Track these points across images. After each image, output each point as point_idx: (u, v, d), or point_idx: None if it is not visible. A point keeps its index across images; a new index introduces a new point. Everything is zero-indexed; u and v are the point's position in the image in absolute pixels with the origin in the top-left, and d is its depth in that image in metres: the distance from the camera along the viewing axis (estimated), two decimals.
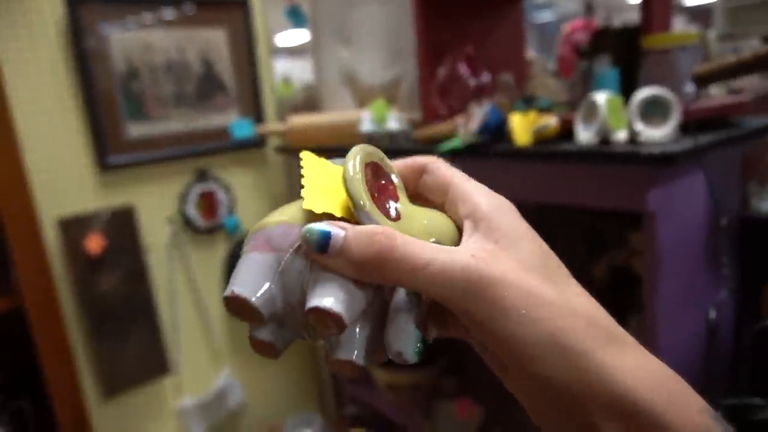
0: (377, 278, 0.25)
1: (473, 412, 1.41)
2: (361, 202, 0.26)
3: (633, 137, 0.78)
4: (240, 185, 1.62)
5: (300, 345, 1.77)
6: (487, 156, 0.93)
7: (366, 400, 1.62)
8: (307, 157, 0.31)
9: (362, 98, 1.43)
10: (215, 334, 1.61)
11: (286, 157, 1.68)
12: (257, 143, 1.63)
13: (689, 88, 0.83)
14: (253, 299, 0.25)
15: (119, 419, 1.46)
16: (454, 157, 0.99)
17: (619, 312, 0.96)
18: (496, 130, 0.94)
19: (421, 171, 0.32)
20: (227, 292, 0.25)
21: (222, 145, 1.56)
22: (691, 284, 0.90)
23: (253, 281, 0.26)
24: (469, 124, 0.97)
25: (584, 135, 0.81)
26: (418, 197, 0.32)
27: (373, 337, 0.27)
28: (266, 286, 0.26)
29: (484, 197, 0.29)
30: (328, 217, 0.26)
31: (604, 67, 0.88)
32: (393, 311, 0.26)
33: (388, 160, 0.31)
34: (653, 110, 0.77)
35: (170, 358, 1.50)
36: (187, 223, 1.53)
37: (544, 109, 0.91)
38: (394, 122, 1.19)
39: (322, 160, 0.32)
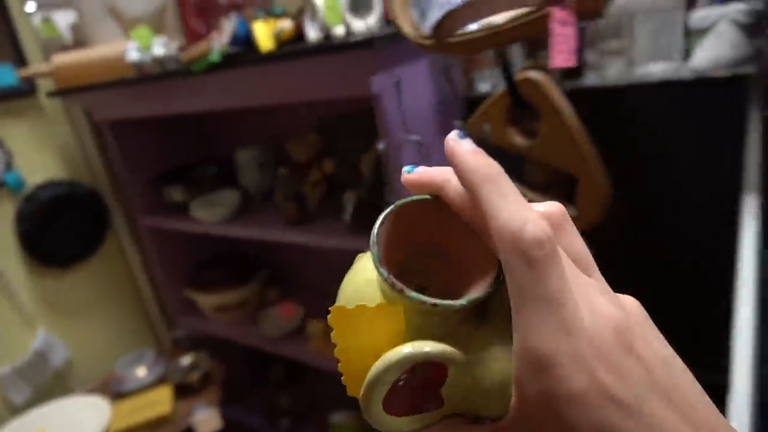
0: None
1: (294, 312, 1.56)
2: None
3: (349, 30, 0.91)
4: (14, 138, 1.51)
5: (120, 288, 1.77)
6: (242, 64, 1.02)
7: (198, 327, 1.69)
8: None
9: (130, 30, 1.40)
10: (19, 296, 1.54)
11: (61, 101, 1.60)
12: (26, 91, 1.52)
13: None
14: None
15: None
16: (210, 72, 1.06)
17: (379, 195, 1.14)
18: (245, 41, 1.02)
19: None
20: None
21: None
22: (426, 157, 1.10)
23: None
24: (222, 38, 1.04)
25: (311, 33, 0.93)
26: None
27: None
28: None
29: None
30: None
31: None
32: None
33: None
34: (363, 5, 0.91)
35: None
36: None
37: (279, 15, 1.01)
38: (159, 48, 1.21)
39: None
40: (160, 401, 1.43)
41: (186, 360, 1.56)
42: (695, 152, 0.99)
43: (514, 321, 0.20)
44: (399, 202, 0.24)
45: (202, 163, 1.63)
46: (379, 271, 0.22)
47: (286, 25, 0.96)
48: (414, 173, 0.25)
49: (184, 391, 1.49)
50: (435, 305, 0.21)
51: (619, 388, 0.19)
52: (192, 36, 1.17)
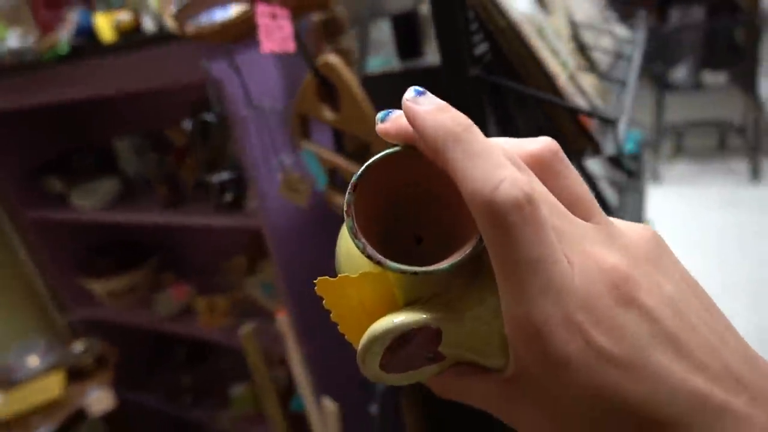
0: None
1: (186, 292, 1.63)
2: None
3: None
4: None
5: (8, 281, 1.77)
6: (87, 55, 1.07)
7: (92, 314, 1.73)
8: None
9: None
10: None
11: None
12: None
13: None
14: None
15: None
16: (62, 63, 1.11)
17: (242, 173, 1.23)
18: (89, 32, 1.08)
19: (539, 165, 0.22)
20: None
21: None
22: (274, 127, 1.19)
23: None
24: (67, 31, 1.09)
25: (147, 24, 1.00)
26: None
27: None
28: None
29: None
30: None
31: None
32: None
33: None
34: None
35: None
36: None
37: (119, 7, 1.07)
38: (14, 40, 1.24)
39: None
40: (51, 386, 1.47)
41: (78, 345, 1.60)
42: None
43: (499, 288, 0.19)
44: (373, 159, 0.22)
45: (80, 152, 1.65)
46: (355, 243, 0.21)
47: (124, 16, 1.02)
48: (387, 121, 0.23)
49: (76, 376, 1.54)
50: (416, 273, 0.21)
51: (616, 347, 0.18)
52: (45, 28, 1.20)
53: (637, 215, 0.90)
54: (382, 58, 1.34)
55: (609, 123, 0.47)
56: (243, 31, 0.65)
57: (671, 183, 3.19)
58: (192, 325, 1.54)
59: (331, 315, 0.23)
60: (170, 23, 0.70)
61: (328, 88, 0.90)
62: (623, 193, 0.94)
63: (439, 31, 0.52)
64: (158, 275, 1.75)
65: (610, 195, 0.91)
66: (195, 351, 1.90)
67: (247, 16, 0.61)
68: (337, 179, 1.01)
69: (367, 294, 0.23)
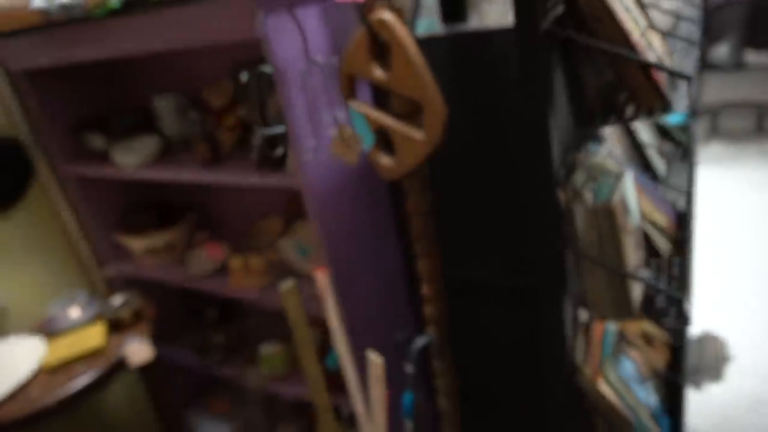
0: None
1: (221, 251, 1.66)
2: None
3: None
4: None
5: (49, 236, 1.82)
6: (138, 11, 1.08)
7: (129, 271, 1.78)
8: None
9: None
10: None
11: None
12: None
13: None
14: None
15: None
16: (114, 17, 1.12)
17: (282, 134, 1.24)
18: None
19: None
20: None
21: None
22: (318, 100, 1.20)
23: None
24: None
25: None
26: None
27: None
28: None
29: None
30: None
31: None
32: None
33: None
34: None
35: None
36: None
37: None
38: None
39: None
40: (93, 336, 1.53)
41: (117, 299, 1.65)
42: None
43: None
44: None
45: (121, 110, 1.68)
46: None
47: None
48: None
49: (116, 327, 1.59)
50: None
51: None
52: None
53: (685, 186, 0.89)
54: (425, 22, 1.33)
55: (685, 78, 0.47)
56: None
57: (706, 163, 3.13)
58: (225, 284, 1.58)
59: None
60: None
61: (378, 47, 0.90)
62: (671, 163, 0.93)
63: None
64: (193, 234, 1.79)
65: (660, 164, 0.91)
66: (225, 310, 1.94)
67: None
68: (382, 140, 1.02)
69: None
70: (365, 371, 1.10)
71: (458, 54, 1.13)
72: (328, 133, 1.21)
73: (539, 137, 0.53)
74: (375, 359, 1.00)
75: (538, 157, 0.54)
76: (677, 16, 0.78)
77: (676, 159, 0.97)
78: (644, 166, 0.90)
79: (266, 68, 1.11)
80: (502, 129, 1.08)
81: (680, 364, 1.01)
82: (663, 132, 0.99)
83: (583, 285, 0.77)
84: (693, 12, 0.93)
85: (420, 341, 1.04)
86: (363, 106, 0.98)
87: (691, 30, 0.69)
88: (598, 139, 0.76)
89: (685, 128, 1.06)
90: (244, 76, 0.97)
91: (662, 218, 0.72)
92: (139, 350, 1.53)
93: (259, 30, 1.00)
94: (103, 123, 1.62)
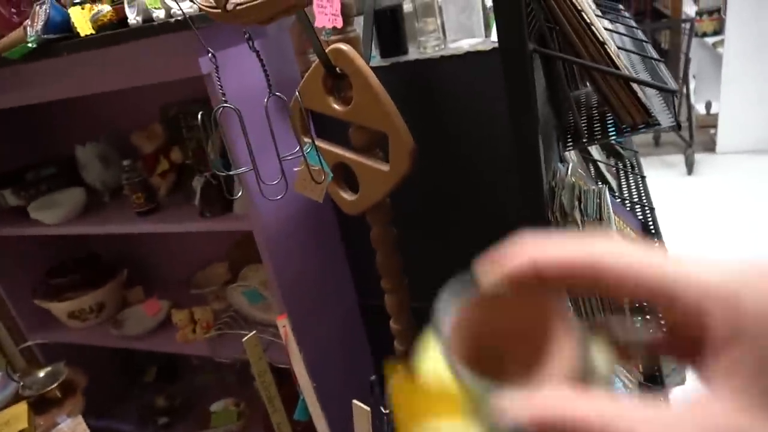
0: None
1: (159, 307, 1.54)
2: None
3: (169, 13, 0.93)
4: None
5: None
6: (57, 52, 0.99)
7: (53, 339, 1.60)
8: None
9: None
10: None
11: None
12: None
13: None
14: None
15: None
16: (30, 61, 1.02)
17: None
18: (62, 27, 1.00)
19: (531, 270, 0.21)
20: None
21: None
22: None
23: None
24: (35, 25, 1.01)
25: (132, 17, 0.94)
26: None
27: None
28: None
29: (745, 288, 0.18)
30: None
31: None
32: None
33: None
34: None
35: None
36: None
37: (95, 0, 1.00)
38: None
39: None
40: (14, 420, 1.34)
41: (42, 372, 1.47)
42: (496, 108, 1.13)
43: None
44: (467, 292, 0.23)
45: (40, 163, 1.53)
46: (442, 348, 0.21)
47: (104, 8, 0.96)
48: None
49: (43, 406, 1.41)
50: (482, 390, 0.20)
51: None
52: (3, 25, 1.10)
53: (639, 199, 0.94)
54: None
55: (670, 92, 0.49)
56: (282, 10, 0.62)
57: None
58: (169, 340, 1.45)
59: (395, 410, 0.23)
60: (200, 1, 0.65)
61: (333, 80, 0.88)
62: (619, 178, 0.97)
63: (497, 6, 0.51)
64: (125, 291, 1.64)
65: (612, 180, 0.94)
66: (167, 369, 1.79)
67: None
68: (340, 174, 0.99)
69: (437, 401, 0.22)
70: (335, 418, 1.03)
71: (419, 81, 1.12)
72: (279, 171, 1.16)
73: (529, 160, 0.53)
74: (360, 408, 0.94)
75: (528, 180, 0.54)
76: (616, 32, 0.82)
77: (622, 174, 1.01)
78: (599, 181, 0.93)
79: (199, 107, 1.05)
80: (474, 153, 1.09)
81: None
82: (603, 148, 1.04)
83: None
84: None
85: None
86: (320, 141, 0.95)
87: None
88: (562, 159, 0.77)
89: (625, 143, 1.12)
90: (199, 119, 0.91)
91: (632, 232, 0.74)
92: (72, 430, 1.36)
93: (207, 66, 0.95)
94: (18, 177, 1.47)
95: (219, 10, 0.60)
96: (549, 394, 0.19)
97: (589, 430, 0.17)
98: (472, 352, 0.23)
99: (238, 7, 0.59)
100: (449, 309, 0.22)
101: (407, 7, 1.25)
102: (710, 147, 3.44)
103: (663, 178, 3.22)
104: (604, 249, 0.20)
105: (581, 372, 0.20)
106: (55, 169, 1.50)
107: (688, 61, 3.30)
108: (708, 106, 3.63)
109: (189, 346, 1.42)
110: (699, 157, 3.33)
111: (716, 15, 3.64)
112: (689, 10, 3.78)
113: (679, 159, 3.35)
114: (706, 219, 2.78)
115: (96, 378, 1.63)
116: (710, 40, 3.61)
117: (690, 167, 3.25)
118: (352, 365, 1.40)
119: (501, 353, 0.24)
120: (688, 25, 3.36)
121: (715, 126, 3.41)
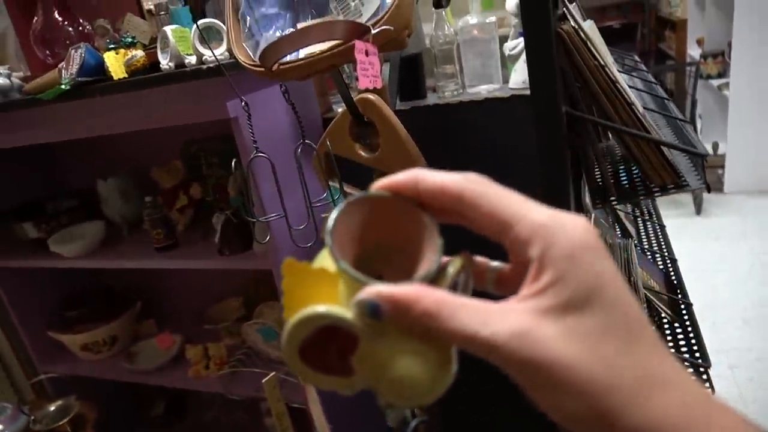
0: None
1: (171, 341, 1.53)
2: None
3: (200, 59, 0.97)
4: None
5: None
6: (92, 93, 1.02)
7: (64, 371, 1.59)
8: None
9: None
10: None
11: None
12: None
13: None
14: None
15: None
16: (61, 100, 1.05)
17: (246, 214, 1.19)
18: (96, 70, 1.03)
19: (412, 186, 0.27)
20: None
21: None
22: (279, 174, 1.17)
23: None
24: (70, 68, 1.04)
25: (164, 62, 0.97)
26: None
27: None
28: None
29: (560, 229, 0.23)
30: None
31: (177, 4, 1.04)
32: None
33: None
34: (212, 37, 0.97)
35: None
36: None
37: (130, 45, 1.04)
38: (1, 78, 1.17)
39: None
40: None
41: (53, 406, 1.46)
42: (513, 155, 1.15)
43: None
44: (356, 196, 0.26)
45: (61, 195, 1.56)
46: (326, 239, 0.24)
47: (138, 54, 0.99)
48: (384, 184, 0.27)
49: None
50: (358, 279, 0.23)
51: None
52: (36, 66, 1.14)
53: (659, 249, 0.94)
54: None
55: (700, 156, 0.50)
56: (323, 68, 0.64)
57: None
58: (181, 376, 1.45)
59: (283, 298, 0.25)
60: (242, 59, 0.68)
61: (360, 127, 0.90)
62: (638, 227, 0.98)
63: (532, 70, 0.54)
64: (138, 324, 1.64)
65: (632, 229, 0.95)
66: (175, 404, 1.77)
67: (330, 53, 0.60)
68: None
69: (320, 288, 0.25)
70: None
71: (438, 126, 1.15)
72: (308, 216, 1.18)
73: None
74: None
75: None
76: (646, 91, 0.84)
77: (639, 220, 1.02)
78: (617, 226, 0.95)
79: (219, 144, 1.07)
80: None
81: None
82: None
83: None
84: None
85: (414, 423, 0.99)
86: (345, 185, 0.97)
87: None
88: (585, 209, 0.79)
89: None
90: (234, 166, 0.92)
91: (655, 284, 0.74)
92: None
93: (235, 110, 0.98)
94: (38, 209, 1.49)
95: (263, 69, 0.63)
96: (404, 287, 0.23)
97: (425, 312, 0.22)
98: (356, 250, 0.26)
99: (281, 67, 0.62)
100: (339, 209, 0.25)
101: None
102: (718, 187, 3.45)
103: (673, 219, 3.23)
104: (473, 184, 0.25)
105: (435, 275, 0.25)
106: (75, 201, 1.52)
107: (694, 102, 3.34)
108: (715, 147, 3.65)
109: (201, 382, 1.41)
110: (707, 196, 3.35)
111: (720, 58, 3.70)
112: (694, 52, 3.84)
113: (688, 198, 3.37)
114: (717, 258, 2.77)
115: (105, 411, 1.62)
116: (715, 82, 3.66)
117: (698, 207, 3.26)
118: (368, 408, 1.39)
119: (380, 257, 0.27)
120: (693, 68, 3.42)
121: (722, 166, 3.43)
